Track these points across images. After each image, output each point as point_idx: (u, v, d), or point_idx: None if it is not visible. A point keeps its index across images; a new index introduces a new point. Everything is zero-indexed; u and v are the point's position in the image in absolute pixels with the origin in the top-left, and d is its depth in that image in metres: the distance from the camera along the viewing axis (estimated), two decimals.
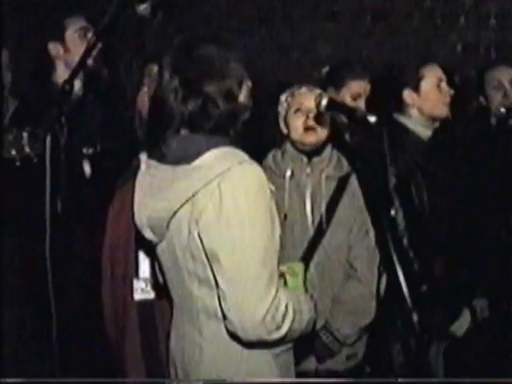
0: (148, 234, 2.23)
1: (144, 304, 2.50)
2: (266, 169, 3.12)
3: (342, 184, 3.12)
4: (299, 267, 2.47)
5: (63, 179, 2.39)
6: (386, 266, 2.77)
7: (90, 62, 3.23)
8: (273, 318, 2.05)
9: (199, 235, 2.08)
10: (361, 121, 2.41)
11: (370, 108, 3.50)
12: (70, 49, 3.25)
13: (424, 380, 2.18)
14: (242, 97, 2.20)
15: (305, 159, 3.12)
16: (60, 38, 3.26)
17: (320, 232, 3.07)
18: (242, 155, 2.13)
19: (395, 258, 2.24)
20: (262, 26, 4.77)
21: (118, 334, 2.48)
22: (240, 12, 4.75)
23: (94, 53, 3.22)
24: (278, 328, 2.08)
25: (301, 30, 4.76)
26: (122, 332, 2.49)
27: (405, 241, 3.03)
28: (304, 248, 3.07)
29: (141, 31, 4.10)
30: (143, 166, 2.25)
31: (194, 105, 2.12)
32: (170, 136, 2.15)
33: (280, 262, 2.23)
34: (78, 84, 3.28)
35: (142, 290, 2.53)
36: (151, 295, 2.53)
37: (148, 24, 4.05)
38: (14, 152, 2.57)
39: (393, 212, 2.45)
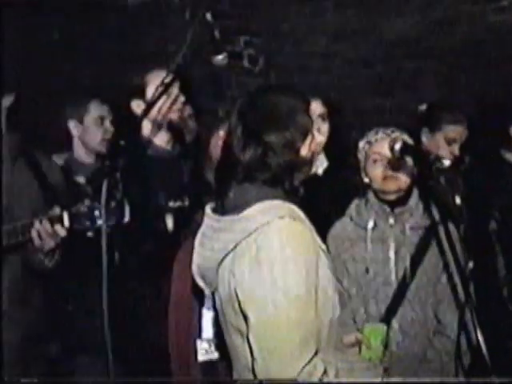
0: (200, 283, 2.18)
1: (208, 365, 2.48)
2: (348, 219, 3.07)
3: (428, 234, 2.95)
4: (378, 336, 2.30)
5: (119, 234, 2.38)
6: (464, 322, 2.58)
7: (173, 116, 3.27)
8: None
9: (235, 289, 2.01)
10: (435, 165, 2.37)
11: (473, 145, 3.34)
12: (153, 105, 3.25)
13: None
14: (305, 150, 2.11)
15: (387, 209, 2.99)
16: (142, 96, 3.28)
17: (404, 285, 2.90)
18: (288, 209, 2.02)
19: (474, 315, 2.07)
20: (362, 66, 4.66)
21: None
22: (339, 53, 4.66)
23: (176, 107, 3.26)
24: None
25: (402, 68, 4.61)
26: None
27: (504, 292, 2.79)
28: (387, 303, 2.91)
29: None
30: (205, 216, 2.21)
31: (252, 153, 2.05)
32: (234, 185, 2.09)
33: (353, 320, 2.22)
34: (165, 138, 3.30)
35: (206, 351, 2.51)
36: (215, 356, 2.48)
37: (250, 73, 4.04)
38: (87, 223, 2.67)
39: (471, 264, 2.28)
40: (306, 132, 2.11)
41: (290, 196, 2.09)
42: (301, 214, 2.07)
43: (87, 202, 2.64)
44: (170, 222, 3.18)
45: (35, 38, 4.36)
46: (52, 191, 3.04)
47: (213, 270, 2.08)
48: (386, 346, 2.36)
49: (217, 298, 2.17)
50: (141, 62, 4.28)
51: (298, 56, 4.71)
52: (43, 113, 4.16)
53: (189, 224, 3.12)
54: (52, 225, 2.69)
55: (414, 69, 4.59)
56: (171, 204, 3.20)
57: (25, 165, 3.11)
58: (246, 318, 2.00)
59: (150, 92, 3.24)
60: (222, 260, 2.04)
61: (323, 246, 2.08)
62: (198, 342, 2.50)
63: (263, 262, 1.94)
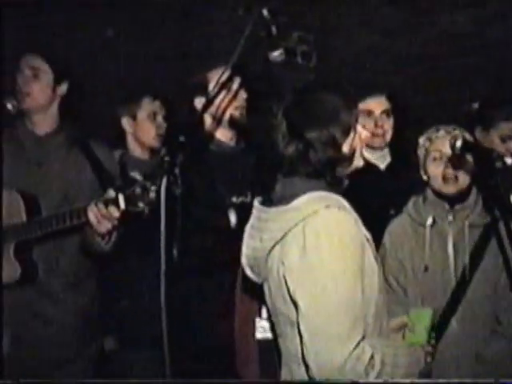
0: (249, 273, 2.27)
1: (265, 343, 2.54)
2: (406, 216, 3.06)
3: (488, 231, 2.92)
4: (422, 321, 2.33)
5: (179, 229, 2.38)
6: None
7: (235, 112, 3.26)
8: (353, 368, 1.98)
9: (284, 277, 2.08)
10: (495, 164, 2.36)
11: None
12: (214, 101, 3.24)
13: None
14: (347, 147, 2.17)
15: (446, 206, 2.97)
16: (204, 93, 3.28)
17: (463, 283, 2.88)
18: (333, 199, 2.11)
19: None
20: (411, 64, 4.61)
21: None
22: (390, 49, 4.61)
23: (238, 103, 3.25)
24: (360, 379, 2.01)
25: (453, 64, 4.55)
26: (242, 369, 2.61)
27: None
28: (446, 301, 2.89)
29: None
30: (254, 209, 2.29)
31: (294, 149, 2.13)
32: (279, 179, 2.19)
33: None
34: (228, 134, 3.31)
35: (264, 330, 2.58)
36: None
37: (302, 69, 3.98)
38: (141, 205, 2.67)
39: None
40: (348, 129, 2.16)
41: (334, 187, 2.16)
42: (346, 204, 2.13)
43: (142, 183, 2.65)
44: (232, 218, 3.18)
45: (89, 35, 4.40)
46: (107, 176, 3.11)
47: (262, 259, 2.16)
48: (431, 331, 2.35)
49: (266, 289, 2.24)
50: (194, 59, 4.29)
51: (351, 52, 4.69)
52: (97, 110, 4.19)
53: None
54: (107, 207, 2.72)
55: (465, 65, 4.53)
56: (234, 199, 3.19)
57: (80, 152, 3.24)
58: (295, 305, 2.07)
59: (211, 88, 3.27)
60: (271, 250, 2.13)
61: (368, 236, 2.14)
62: (257, 320, 2.59)
63: (311, 249, 2.01)
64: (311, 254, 2.01)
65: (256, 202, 2.25)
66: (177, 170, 2.35)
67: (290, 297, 2.07)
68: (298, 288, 2.03)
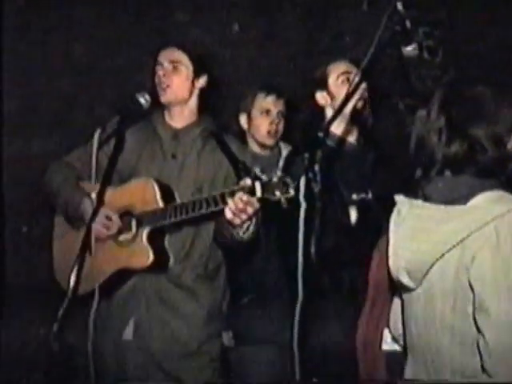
0: (404, 279, 2.11)
1: (391, 355, 2.44)
2: None
3: None
4: None
5: (317, 225, 2.34)
6: None
7: (358, 104, 3.22)
8: None
9: (469, 282, 1.96)
10: None
11: None
12: (335, 95, 3.23)
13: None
14: (511, 144, 2.07)
15: None
16: (325, 87, 3.27)
17: None
18: None
19: None
20: None
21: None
22: None
23: (359, 96, 3.19)
24: None
25: None
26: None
27: None
28: None
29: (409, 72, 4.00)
30: (402, 207, 2.15)
31: (458, 147, 2.04)
32: (433, 177, 2.08)
33: None
34: (349, 128, 3.28)
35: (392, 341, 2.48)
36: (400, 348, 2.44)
37: (427, 63, 3.91)
38: (278, 193, 2.66)
39: None
40: (511, 126, 2.06)
41: (505, 186, 2.06)
42: None
43: (279, 173, 2.63)
44: (353, 215, 3.15)
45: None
46: (244, 168, 3.09)
47: (427, 263, 2.03)
48: None
49: (418, 293, 2.12)
50: (318, 55, 4.29)
51: (478, 47, 4.55)
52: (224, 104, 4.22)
53: (373, 216, 3.09)
54: (243, 195, 2.71)
55: None
56: (354, 197, 3.16)
57: (216, 145, 3.28)
58: (474, 313, 1.96)
59: (332, 82, 3.27)
60: (445, 253, 2.00)
61: None
62: (386, 331, 2.48)
63: (506, 251, 1.92)
64: (506, 255, 1.92)
65: (410, 200, 2.13)
66: (316, 167, 2.32)
67: (473, 303, 1.96)
68: (491, 293, 1.92)
